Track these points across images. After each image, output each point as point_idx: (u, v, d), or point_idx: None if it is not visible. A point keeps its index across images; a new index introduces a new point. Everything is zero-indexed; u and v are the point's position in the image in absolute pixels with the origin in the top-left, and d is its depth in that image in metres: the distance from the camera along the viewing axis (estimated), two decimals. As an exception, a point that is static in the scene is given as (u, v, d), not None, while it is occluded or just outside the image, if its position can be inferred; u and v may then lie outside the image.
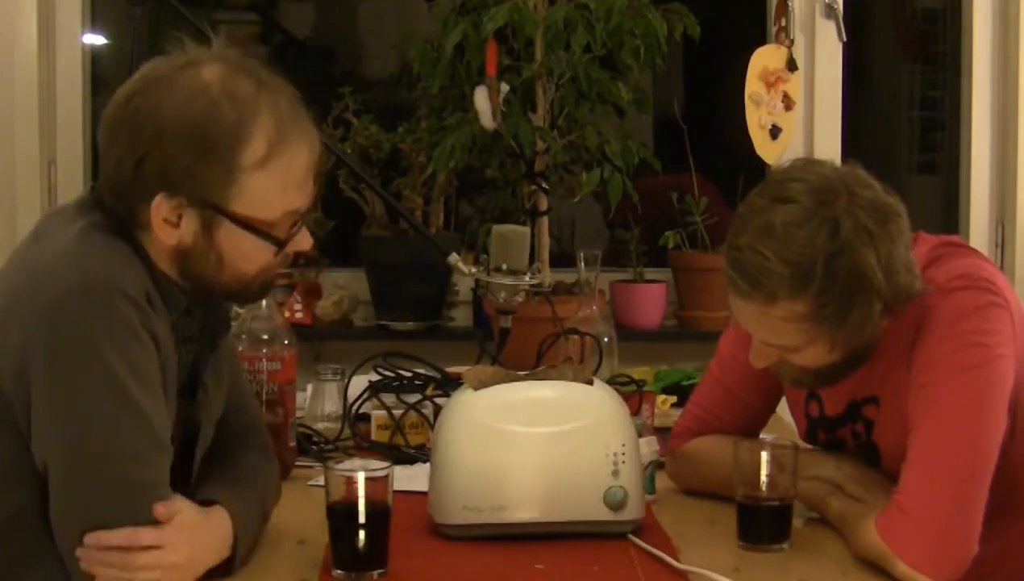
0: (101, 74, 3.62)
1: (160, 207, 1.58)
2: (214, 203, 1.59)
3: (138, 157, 1.57)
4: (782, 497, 1.77)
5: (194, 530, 1.56)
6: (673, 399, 2.68)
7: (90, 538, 1.51)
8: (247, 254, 1.64)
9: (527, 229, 2.64)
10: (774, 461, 1.77)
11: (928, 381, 1.73)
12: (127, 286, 1.53)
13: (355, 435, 2.35)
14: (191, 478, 1.70)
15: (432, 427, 2.16)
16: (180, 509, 1.55)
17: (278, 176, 1.61)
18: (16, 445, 1.54)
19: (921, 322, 1.75)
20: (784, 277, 1.68)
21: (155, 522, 1.53)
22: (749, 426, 2.03)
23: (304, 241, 1.68)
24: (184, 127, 1.56)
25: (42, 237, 1.63)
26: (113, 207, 1.61)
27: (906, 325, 1.76)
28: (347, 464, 1.68)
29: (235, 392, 1.84)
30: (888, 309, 1.72)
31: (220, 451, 1.76)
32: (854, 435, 1.90)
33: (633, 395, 2.31)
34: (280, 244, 1.65)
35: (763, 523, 1.77)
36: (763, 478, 1.76)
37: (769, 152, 3.40)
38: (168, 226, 1.59)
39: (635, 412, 2.19)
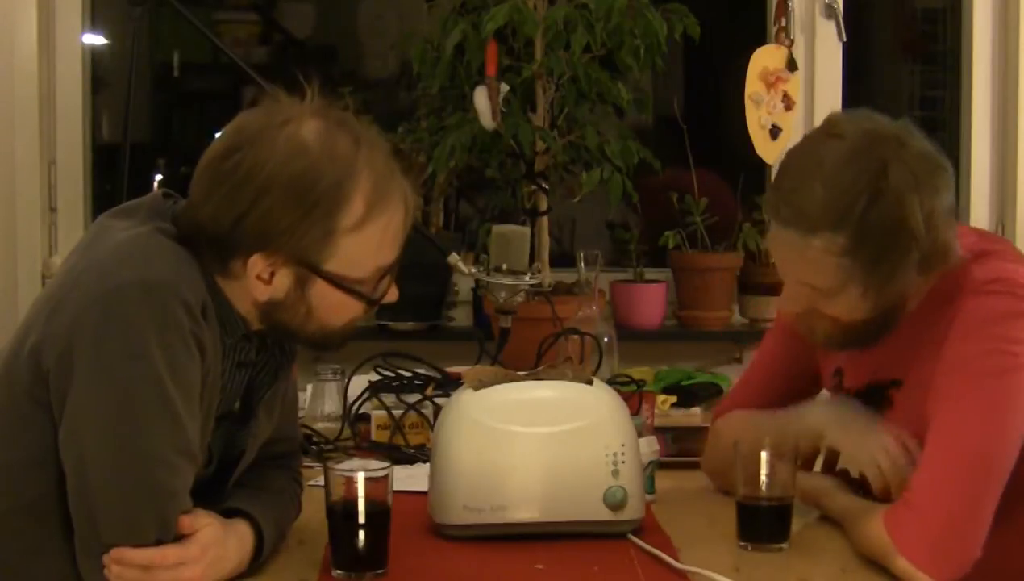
0: (101, 74, 3.62)
1: (256, 265, 1.59)
2: (310, 263, 1.60)
3: (237, 214, 1.57)
4: (781, 497, 1.77)
5: (214, 547, 1.57)
6: (673, 399, 2.68)
7: (113, 555, 1.51)
8: (337, 309, 1.65)
9: (527, 229, 2.64)
10: (774, 460, 1.77)
11: (952, 381, 1.72)
12: (185, 292, 1.53)
13: (355, 435, 2.35)
14: (222, 497, 1.69)
15: (432, 427, 2.16)
16: (203, 525, 1.56)
17: (374, 237, 1.62)
18: (42, 427, 1.55)
19: (954, 318, 1.74)
20: (827, 207, 1.69)
21: (175, 530, 1.53)
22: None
23: (391, 294, 1.70)
24: (286, 188, 1.56)
25: (109, 231, 1.63)
26: (196, 243, 1.61)
27: (940, 317, 1.76)
28: (347, 464, 1.68)
29: (285, 421, 1.83)
30: (924, 265, 1.72)
31: (253, 469, 1.76)
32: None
33: (633, 395, 2.31)
34: (371, 302, 1.67)
35: (763, 522, 1.77)
36: (763, 478, 1.76)
37: (769, 152, 3.40)
38: (260, 282, 1.61)
39: (635, 412, 2.19)
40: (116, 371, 1.50)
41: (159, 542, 1.53)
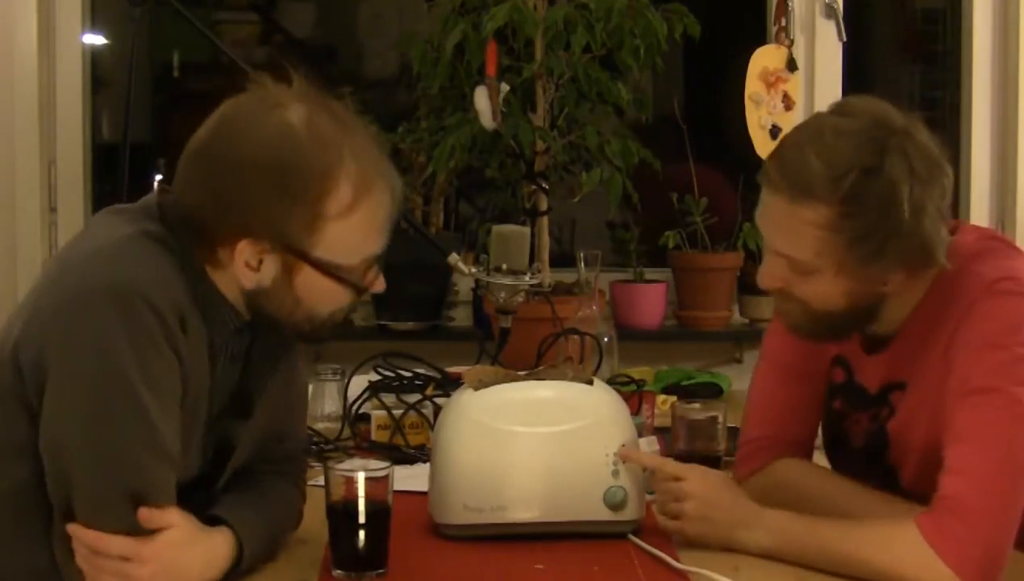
0: (101, 74, 3.62)
1: (243, 252, 1.58)
2: (298, 249, 1.59)
3: (224, 202, 1.56)
4: (711, 452, 2.01)
5: (172, 550, 1.54)
6: (673, 399, 2.68)
7: (70, 528, 1.53)
8: (324, 297, 1.64)
9: (527, 229, 2.64)
10: (703, 424, 2.05)
11: (983, 388, 1.67)
12: (156, 298, 1.52)
13: (355, 435, 2.35)
14: (213, 493, 1.69)
15: (432, 427, 2.16)
16: (171, 524, 1.54)
17: (361, 224, 1.61)
18: (23, 421, 1.54)
19: (964, 319, 1.71)
20: (817, 175, 1.68)
21: (138, 529, 1.52)
22: (813, 414, 1.96)
23: (378, 283, 1.69)
24: (272, 173, 1.56)
25: (94, 230, 1.64)
26: (183, 234, 1.60)
27: (945, 317, 1.73)
28: (347, 464, 1.68)
29: (287, 419, 1.81)
30: (903, 260, 1.69)
31: (253, 474, 1.74)
32: (872, 419, 1.86)
33: (633, 395, 2.31)
34: (359, 290, 1.66)
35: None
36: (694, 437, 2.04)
37: (769, 152, 3.39)
38: (248, 270, 1.59)
39: (635, 412, 2.19)
40: (86, 374, 1.50)
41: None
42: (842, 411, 1.92)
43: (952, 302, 1.73)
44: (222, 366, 1.66)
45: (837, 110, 1.76)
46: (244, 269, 1.59)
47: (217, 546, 1.61)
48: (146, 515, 1.52)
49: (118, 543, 1.52)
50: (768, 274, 1.79)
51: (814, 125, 1.75)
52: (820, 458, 2.01)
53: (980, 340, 1.69)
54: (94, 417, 1.50)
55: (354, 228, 1.61)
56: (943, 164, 1.72)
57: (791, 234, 1.72)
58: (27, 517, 1.58)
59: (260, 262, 1.59)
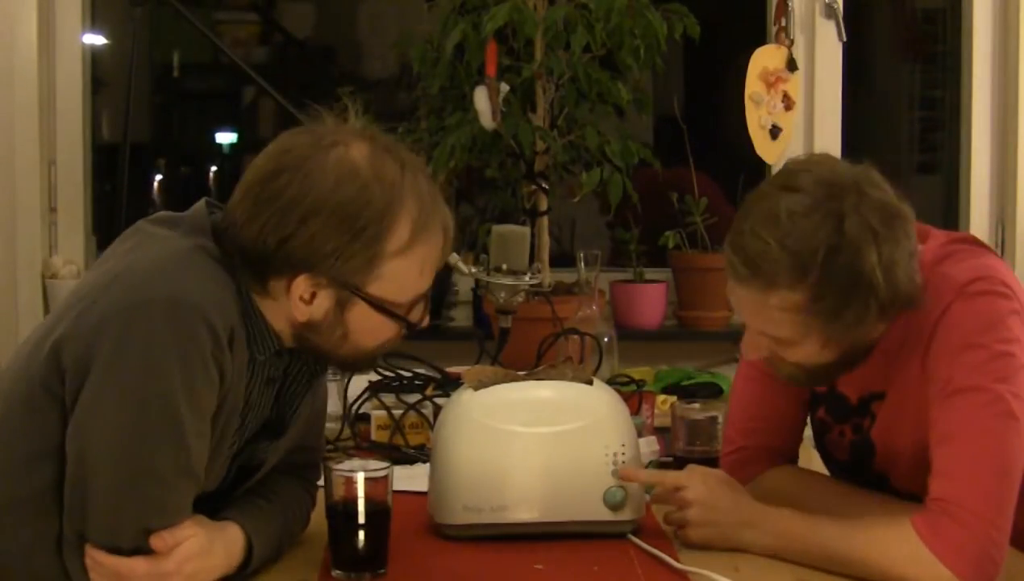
0: (101, 74, 3.62)
1: (299, 286, 1.58)
2: (353, 285, 1.60)
3: (282, 237, 1.56)
4: (710, 452, 2.05)
5: (194, 560, 1.55)
6: (673, 399, 2.68)
7: (89, 552, 1.53)
8: (373, 332, 1.65)
9: (527, 229, 2.64)
10: (703, 424, 2.10)
11: (965, 387, 1.68)
12: (212, 316, 1.51)
13: (355, 435, 2.35)
14: (230, 500, 1.69)
15: (432, 427, 2.16)
16: (187, 537, 1.55)
17: (417, 262, 1.62)
18: (52, 422, 1.54)
19: (939, 320, 1.72)
20: (783, 265, 1.66)
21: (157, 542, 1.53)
22: (797, 422, 1.98)
23: (423, 319, 1.70)
24: (335, 211, 1.56)
25: (151, 240, 1.62)
26: (236, 260, 1.60)
27: (921, 321, 1.74)
28: (347, 464, 1.68)
29: (310, 429, 1.81)
30: (885, 313, 1.70)
31: (267, 477, 1.74)
32: (855, 429, 1.88)
33: (633, 395, 2.31)
34: (409, 325, 1.67)
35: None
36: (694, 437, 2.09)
37: (769, 152, 3.40)
38: (301, 303, 1.60)
39: (635, 412, 2.19)
40: (131, 384, 1.49)
41: (138, 550, 1.52)
42: (825, 421, 1.93)
43: (926, 308, 1.73)
44: (258, 388, 1.66)
45: (784, 184, 1.71)
46: (297, 302, 1.60)
47: (232, 541, 1.62)
48: (159, 542, 1.52)
49: (142, 566, 1.52)
50: (753, 348, 1.79)
51: (767, 209, 1.69)
52: (813, 456, 2.02)
53: (958, 341, 1.70)
54: (130, 428, 1.49)
55: (410, 266, 1.62)
56: (901, 208, 1.71)
57: (768, 321, 1.72)
58: (46, 523, 1.57)
59: (313, 295, 1.60)
